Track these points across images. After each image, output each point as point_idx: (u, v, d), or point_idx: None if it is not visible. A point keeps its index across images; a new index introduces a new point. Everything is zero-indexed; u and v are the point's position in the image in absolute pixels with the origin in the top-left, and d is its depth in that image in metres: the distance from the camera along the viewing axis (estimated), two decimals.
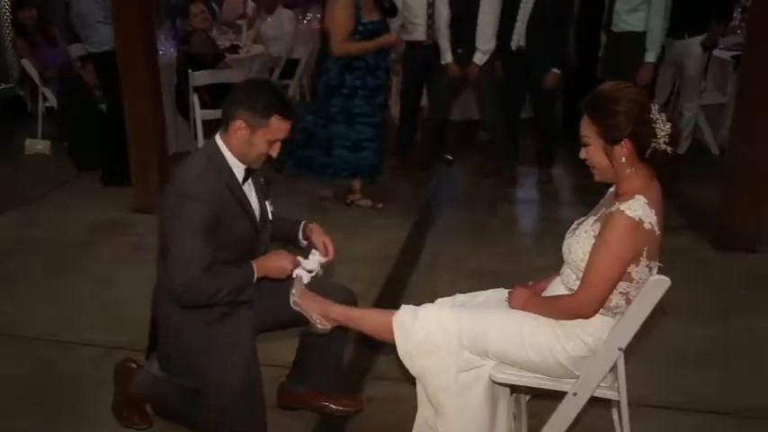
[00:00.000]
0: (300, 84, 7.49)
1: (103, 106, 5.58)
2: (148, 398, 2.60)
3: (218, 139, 2.29)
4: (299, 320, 2.41)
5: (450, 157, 5.95)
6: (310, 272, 2.37)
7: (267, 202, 2.45)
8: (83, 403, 2.78)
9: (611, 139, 2.00)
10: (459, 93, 5.54)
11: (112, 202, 4.98)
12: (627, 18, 4.98)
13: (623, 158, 2.01)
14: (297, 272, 2.35)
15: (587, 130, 2.04)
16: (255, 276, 2.27)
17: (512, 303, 2.25)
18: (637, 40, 4.95)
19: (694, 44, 5.46)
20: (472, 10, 5.09)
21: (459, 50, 5.22)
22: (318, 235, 2.47)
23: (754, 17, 4.06)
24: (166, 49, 6.29)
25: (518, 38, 5.19)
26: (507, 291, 2.34)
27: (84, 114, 5.79)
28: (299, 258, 2.36)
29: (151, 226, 4.59)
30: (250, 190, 2.36)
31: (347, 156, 4.66)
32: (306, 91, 7.61)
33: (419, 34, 5.54)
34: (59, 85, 6.15)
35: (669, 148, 1.98)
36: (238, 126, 2.21)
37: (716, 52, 6.09)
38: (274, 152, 2.28)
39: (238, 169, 2.29)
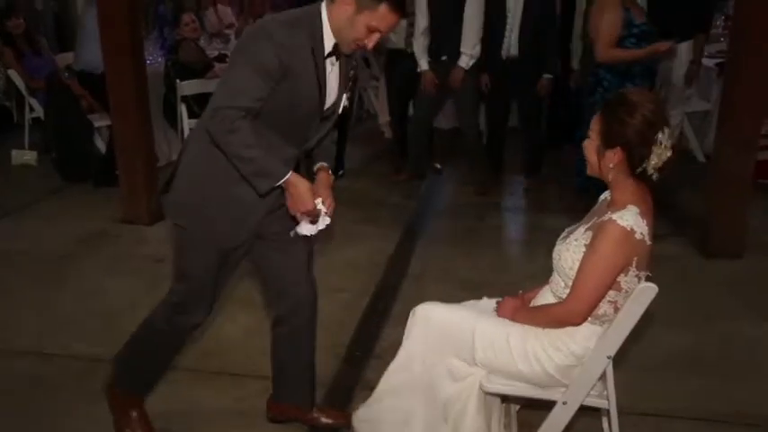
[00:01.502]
0: None
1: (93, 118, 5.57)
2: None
3: (323, 4, 2.16)
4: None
5: (438, 166, 5.96)
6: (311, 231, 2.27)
7: (345, 95, 2.33)
8: (69, 417, 2.75)
9: (605, 142, 2.03)
10: (443, 101, 5.52)
11: (99, 213, 4.95)
12: None
13: (611, 164, 2.03)
14: (302, 224, 2.25)
15: (594, 123, 2.08)
16: (285, 178, 2.13)
17: (500, 313, 2.26)
18: None
19: (679, 51, 5.50)
20: (455, 15, 5.08)
21: (444, 57, 5.19)
22: (325, 189, 2.29)
23: (737, 24, 4.10)
24: (154, 59, 6.28)
25: (508, 47, 5.21)
26: (495, 300, 2.35)
27: (71, 125, 5.76)
28: (320, 208, 2.22)
29: (139, 236, 4.60)
30: (333, 71, 2.23)
31: None
32: None
33: (399, 42, 5.55)
34: (46, 95, 6.12)
35: (656, 175, 2.00)
36: (346, 2, 2.09)
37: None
38: (371, 42, 2.16)
39: (329, 41, 2.16)
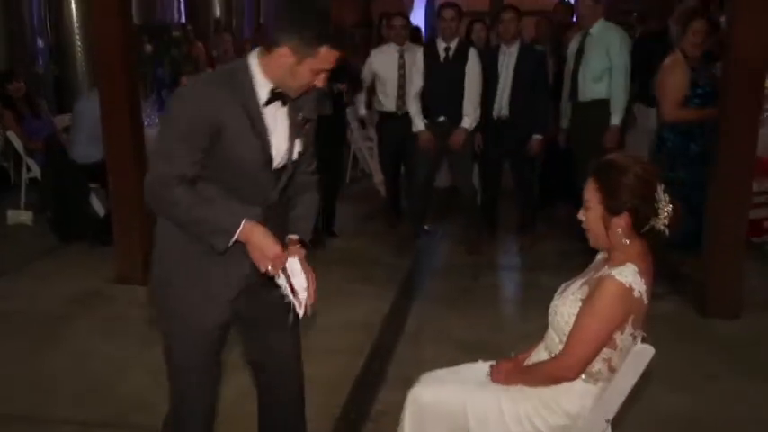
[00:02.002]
0: None
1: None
2: None
3: (251, 58, 2.06)
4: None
5: (427, 228, 5.95)
6: (293, 290, 2.10)
7: (298, 141, 2.17)
8: None
9: (611, 210, 2.02)
10: (440, 161, 5.58)
11: (94, 273, 4.93)
12: (593, 87, 5.14)
13: (619, 230, 2.02)
14: (281, 282, 2.09)
15: (591, 194, 2.06)
16: (239, 230, 2.01)
17: (493, 378, 2.24)
18: (603, 108, 5.10)
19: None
20: (454, 78, 5.16)
21: (441, 118, 5.25)
22: (304, 263, 2.13)
23: (726, 84, 4.18)
24: (152, 120, 6.36)
25: (499, 107, 5.31)
26: (489, 364, 2.33)
27: (68, 186, 5.79)
28: (291, 259, 2.08)
29: (134, 297, 4.56)
30: (276, 118, 2.09)
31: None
32: None
33: (390, 105, 5.65)
34: (44, 156, 6.17)
35: (667, 230, 2.01)
36: (283, 53, 1.98)
37: None
38: (320, 82, 2.07)
39: (263, 89, 2.05)
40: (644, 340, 2.03)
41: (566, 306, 2.10)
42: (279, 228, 2.16)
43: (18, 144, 6.34)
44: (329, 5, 2.11)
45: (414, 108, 5.30)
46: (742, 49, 3.92)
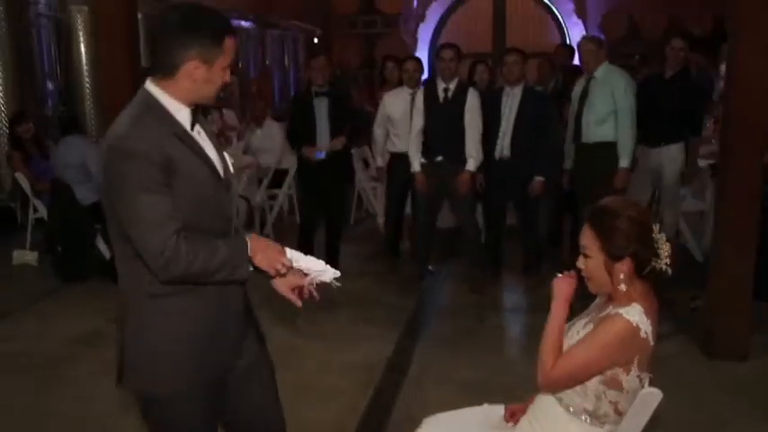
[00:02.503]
0: (289, 193, 7.61)
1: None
2: None
3: (150, 86, 1.94)
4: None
5: (431, 269, 5.94)
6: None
7: (225, 152, 2.10)
8: None
9: (613, 256, 2.01)
10: (442, 201, 5.59)
11: (97, 313, 4.91)
12: (596, 130, 5.19)
13: (622, 275, 2.02)
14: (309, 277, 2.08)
15: (589, 242, 2.05)
16: (249, 248, 1.94)
17: (507, 417, 2.24)
18: (608, 150, 5.13)
19: (671, 152, 5.62)
20: (453, 118, 5.18)
21: (439, 158, 5.26)
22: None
23: (727, 127, 4.21)
24: None
25: (501, 148, 5.35)
26: (501, 407, 2.31)
27: (74, 226, 5.82)
28: (288, 252, 2.03)
29: None
30: (202, 137, 2.01)
31: None
32: (294, 200, 7.72)
33: (402, 145, 5.69)
34: (51, 196, 6.21)
35: (669, 269, 2.01)
36: (193, 67, 1.89)
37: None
38: (227, 77, 1.98)
39: (182, 114, 1.95)
40: (651, 383, 2.02)
41: (568, 345, 2.09)
42: None
43: (25, 185, 6.39)
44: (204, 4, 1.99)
45: (413, 148, 5.34)
46: (743, 85, 3.96)
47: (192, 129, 1.97)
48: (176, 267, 1.84)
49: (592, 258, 2.05)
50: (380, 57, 10.79)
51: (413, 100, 5.62)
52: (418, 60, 5.98)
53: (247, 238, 1.97)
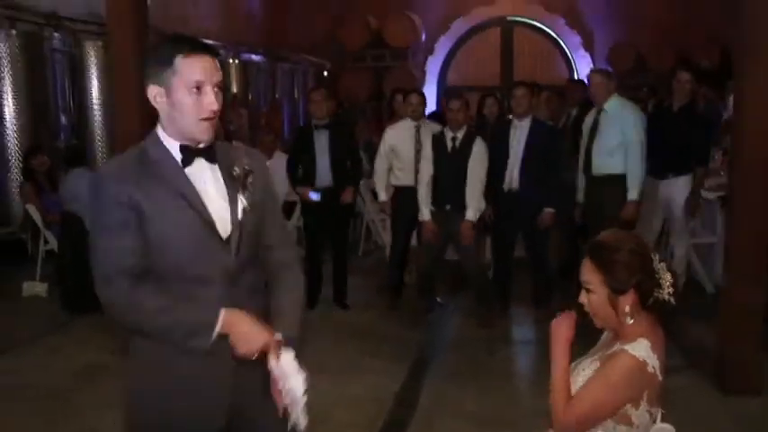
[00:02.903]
0: (298, 225, 7.63)
1: None
2: None
3: (157, 130, 1.95)
4: None
5: (439, 300, 5.93)
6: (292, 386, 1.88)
7: (241, 196, 1.95)
8: None
9: (616, 289, 1.99)
10: (447, 245, 5.58)
11: (105, 345, 4.90)
12: (606, 162, 5.20)
13: (627, 308, 2.00)
14: (277, 371, 1.88)
15: (590, 276, 2.03)
16: (219, 321, 1.82)
17: None
18: (617, 182, 5.15)
19: (679, 184, 5.62)
20: (459, 167, 5.23)
21: (448, 206, 5.28)
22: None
23: (736, 159, 4.21)
24: None
25: (510, 180, 5.36)
26: None
27: (83, 258, 5.83)
28: (286, 356, 1.88)
29: None
30: (205, 179, 1.91)
31: None
32: (302, 232, 7.72)
33: (407, 179, 5.71)
34: (61, 228, 6.25)
35: (672, 299, 1.99)
36: (154, 94, 1.87)
37: (702, 193, 6.26)
38: (210, 102, 1.85)
39: (175, 150, 1.90)
40: (663, 418, 1.99)
41: (577, 384, 2.07)
42: (252, 304, 1.95)
43: (37, 217, 6.44)
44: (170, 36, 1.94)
45: (423, 197, 5.34)
46: (751, 117, 3.98)
47: (187, 167, 1.90)
48: (126, 319, 1.87)
49: (595, 294, 2.03)
50: (389, 89, 10.91)
51: (417, 132, 5.68)
52: (422, 94, 6.03)
53: (229, 311, 1.85)
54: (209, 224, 1.89)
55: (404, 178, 5.77)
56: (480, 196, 5.23)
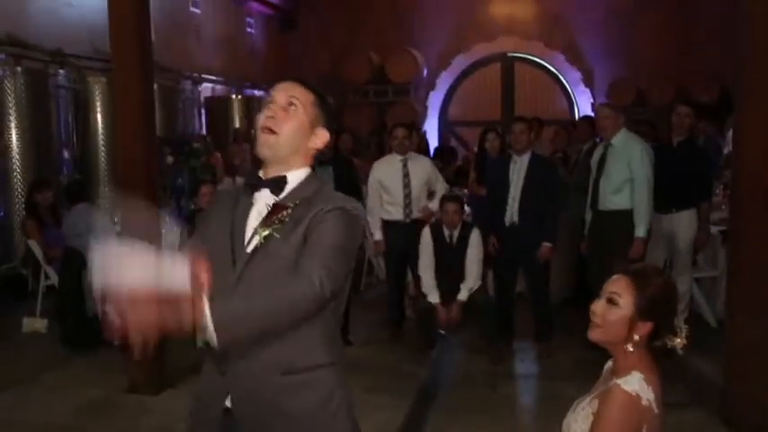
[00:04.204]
0: None
1: None
2: None
3: None
4: None
5: (443, 332, 5.90)
6: None
7: (262, 230, 1.95)
8: None
9: (642, 312, 1.97)
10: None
11: (105, 382, 4.88)
12: (613, 198, 5.21)
13: (637, 336, 1.99)
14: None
15: (623, 290, 1.99)
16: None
17: None
18: (623, 218, 5.14)
19: (682, 218, 5.62)
20: (460, 261, 5.40)
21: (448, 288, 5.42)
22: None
23: (736, 194, 4.22)
24: (169, 227, 6.46)
25: (510, 214, 5.37)
26: None
27: (84, 293, 5.84)
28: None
29: (144, 406, 4.50)
30: (258, 207, 2.01)
31: None
32: None
33: (397, 214, 5.74)
34: (62, 263, 6.25)
35: (681, 351, 1.98)
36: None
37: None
38: (266, 115, 2.02)
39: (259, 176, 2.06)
40: None
41: (578, 423, 2.05)
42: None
43: (38, 252, 6.43)
44: None
45: (430, 284, 5.46)
46: (750, 153, 4.00)
47: (255, 192, 2.02)
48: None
49: (619, 308, 1.99)
50: (391, 123, 10.98)
51: (405, 166, 5.76)
52: (408, 127, 6.09)
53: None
54: (229, 250, 1.98)
55: (395, 213, 5.77)
56: (472, 286, 5.40)
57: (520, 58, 13.68)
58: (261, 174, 2.06)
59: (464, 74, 13.83)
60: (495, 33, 13.30)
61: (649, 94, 12.52)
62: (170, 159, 7.81)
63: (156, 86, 5.16)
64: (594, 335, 2.05)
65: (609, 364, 2.19)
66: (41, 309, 6.45)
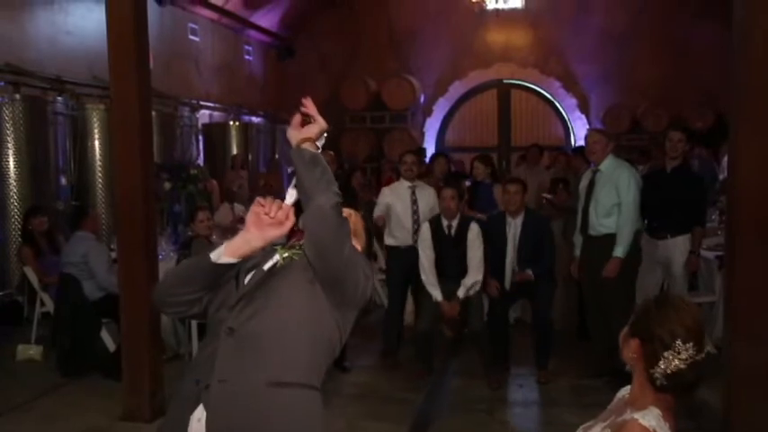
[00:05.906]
0: None
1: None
2: None
3: None
4: None
5: (446, 328, 5.92)
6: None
7: (282, 251, 2.16)
8: None
9: (630, 328, 2.00)
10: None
11: (99, 411, 4.83)
12: (602, 222, 5.26)
13: (633, 354, 1.98)
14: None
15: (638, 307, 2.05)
16: (222, 253, 2.05)
17: None
18: (613, 242, 5.18)
19: (677, 244, 5.62)
20: (459, 253, 5.41)
21: (451, 285, 5.41)
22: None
23: (731, 219, 4.23)
24: (166, 254, 6.45)
25: (509, 274, 5.53)
26: None
27: (80, 318, 5.81)
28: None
29: None
30: (263, 268, 2.13)
31: None
32: None
33: (406, 239, 5.77)
34: (58, 290, 6.22)
35: (661, 381, 1.93)
36: None
37: (701, 252, 6.26)
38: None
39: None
40: None
41: None
42: (249, 362, 2.00)
43: (34, 279, 6.40)
44: None
45: (431, 281, 5.45)
46: (746, 177, 4.02)
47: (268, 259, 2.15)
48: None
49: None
50: (390, 150, 10.99)
51: (413, 193, 5.83)
52: (416, 153, 6.15)
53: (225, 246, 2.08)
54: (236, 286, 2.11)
55: (404, 238, 5.79)
56: (473, 283, 5.40)
57: (516, 84, 13.80)
58: None
59: (461, 100, 13.93)
60: (491, 60, 13.45)
61: (644, 121, 12.61)
62: (167, 185, 7.82)
63: (153, 113, 5.19)
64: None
65: (622, 393, 2.15)
66: (37, 335, 6.41)
